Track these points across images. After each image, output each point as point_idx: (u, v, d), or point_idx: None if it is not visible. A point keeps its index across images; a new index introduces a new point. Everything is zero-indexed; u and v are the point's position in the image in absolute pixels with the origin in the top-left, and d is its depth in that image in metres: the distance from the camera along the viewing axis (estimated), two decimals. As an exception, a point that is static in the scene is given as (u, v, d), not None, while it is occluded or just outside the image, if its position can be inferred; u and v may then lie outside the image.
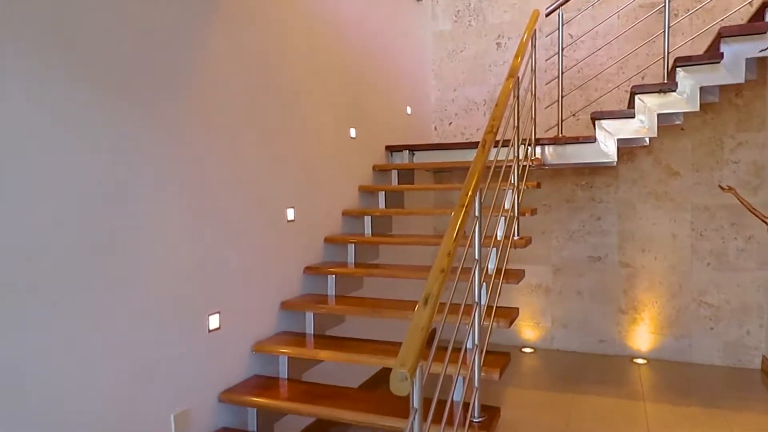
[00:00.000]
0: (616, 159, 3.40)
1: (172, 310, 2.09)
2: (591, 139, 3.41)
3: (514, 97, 2.87)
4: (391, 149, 3.99)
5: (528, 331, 4.63)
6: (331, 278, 2.95)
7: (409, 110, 4.41)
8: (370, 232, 3.41)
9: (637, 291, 4.31)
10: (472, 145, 3.77)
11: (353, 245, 3.21)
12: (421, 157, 4.00)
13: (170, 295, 2.09)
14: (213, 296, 2.30)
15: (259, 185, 2.61)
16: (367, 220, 3.41)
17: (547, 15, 3.59)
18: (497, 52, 4.67)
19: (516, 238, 2.89)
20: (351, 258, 3.21)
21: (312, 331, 2.74)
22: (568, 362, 4.25)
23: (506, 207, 3.04)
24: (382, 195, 3.61)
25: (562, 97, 3.63)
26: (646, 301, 4.29)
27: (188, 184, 2.17)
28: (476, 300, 2.03)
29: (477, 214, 1.96)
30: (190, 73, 2.20)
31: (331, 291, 2.95)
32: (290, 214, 2.83)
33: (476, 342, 2.01)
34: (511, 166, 2.81)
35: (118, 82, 1.88)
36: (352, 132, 3.50)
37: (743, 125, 3.98)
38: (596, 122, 3.42)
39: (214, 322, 2.29)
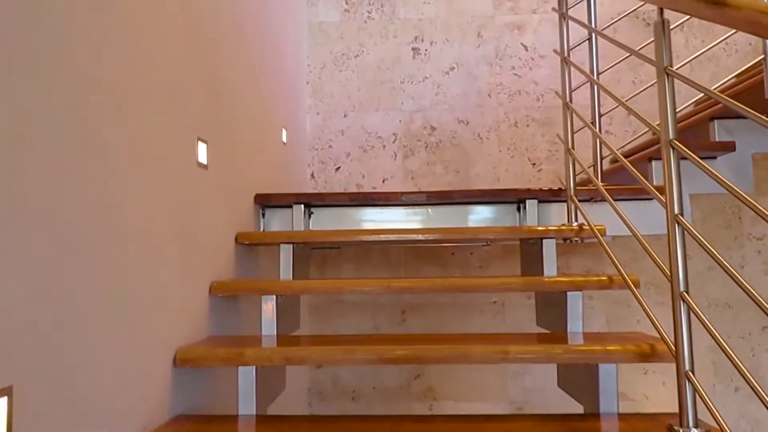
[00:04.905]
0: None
1: None
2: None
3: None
4: (263, 202, 1.98)
5: None
6: None
7: (284, 136, 2.46)
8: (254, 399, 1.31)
9: None
10: (436, 197, 1.95)
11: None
12: (322, 220, 2.05)
13: None
14: None
15: None
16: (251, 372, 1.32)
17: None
18: (414, 62, 3.02)
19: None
20: None
21: None
22: None
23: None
24: (270, 303, 1.54)
25: (600, 115, 2.06)
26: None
27: None
28: None
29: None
30: None
31: None
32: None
33: None
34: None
35: None
36: (202, 152, 1.45)
37: None
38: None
39: None
